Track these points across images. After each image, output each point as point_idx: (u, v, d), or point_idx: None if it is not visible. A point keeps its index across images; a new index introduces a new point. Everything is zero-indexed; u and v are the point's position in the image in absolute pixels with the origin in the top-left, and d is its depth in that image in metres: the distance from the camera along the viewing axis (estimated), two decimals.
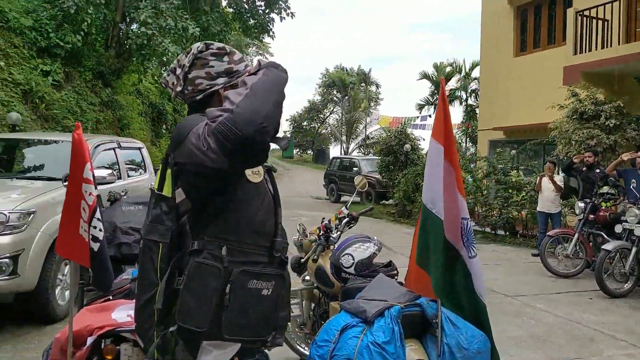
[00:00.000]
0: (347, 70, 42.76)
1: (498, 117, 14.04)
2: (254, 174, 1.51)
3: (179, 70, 1.61)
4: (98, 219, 1.83)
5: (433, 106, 30.51)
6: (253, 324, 1.48)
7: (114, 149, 6.19)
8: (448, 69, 30.62)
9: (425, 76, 31.22)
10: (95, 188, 1.86)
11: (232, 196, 1.50)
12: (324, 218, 3.45)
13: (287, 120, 43.29)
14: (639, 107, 10.57)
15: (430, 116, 29.05)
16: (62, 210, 1.87)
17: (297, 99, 79.32)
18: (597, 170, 7.77)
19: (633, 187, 6.79)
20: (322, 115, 43.65)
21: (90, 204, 1.81)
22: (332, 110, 43.68)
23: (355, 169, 18.66)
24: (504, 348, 4.01)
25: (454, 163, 2.28)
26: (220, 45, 1.66)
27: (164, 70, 16.95)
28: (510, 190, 11.23)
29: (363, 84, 41.50)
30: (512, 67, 14.01)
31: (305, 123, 43.68)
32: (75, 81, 12.64)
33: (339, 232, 3.38)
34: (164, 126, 19.39)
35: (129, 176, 6.40)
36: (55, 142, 5.97)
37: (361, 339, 2.23)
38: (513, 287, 6.62)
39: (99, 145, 5.84)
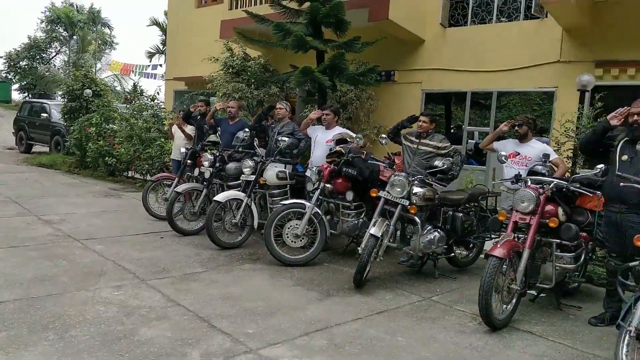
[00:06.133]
0: (76, 7, 38.28)
1: (180, 67, 14.09)
2: None
3: None
4: None
5: (164, 55, 29.22)
6: None
7: None
8: None
9: (155, 23, 29.74)
10: None
11: None
12: None
13: (1, 57, 36.92)
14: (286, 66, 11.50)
15: (161, 65, 27.92)
16: None
17: (12, 33, 63.14)
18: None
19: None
20: (45, 55, 38.43)
21: None
22: (59, 50, 38.85)
23: (44, 115, 16.81)
24: None
25: None
26: None
27: None
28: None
29: (93, 25, 37.73)
30: (193, 18, 14.09)
31: (24, 62, 37.85)
32: None
33: None
34: None
35: None
36: None
37: None
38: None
39: None
